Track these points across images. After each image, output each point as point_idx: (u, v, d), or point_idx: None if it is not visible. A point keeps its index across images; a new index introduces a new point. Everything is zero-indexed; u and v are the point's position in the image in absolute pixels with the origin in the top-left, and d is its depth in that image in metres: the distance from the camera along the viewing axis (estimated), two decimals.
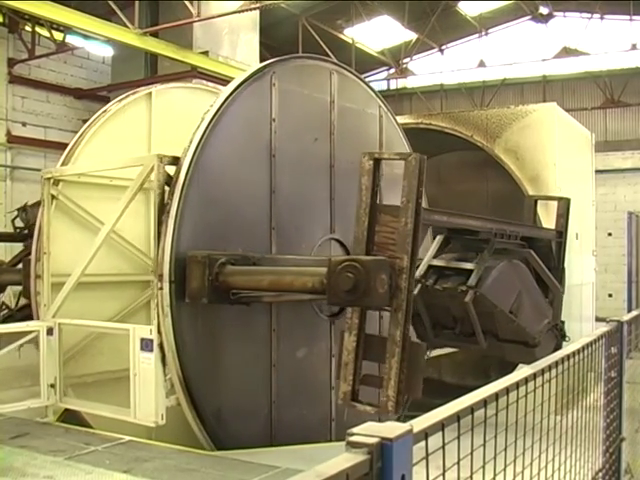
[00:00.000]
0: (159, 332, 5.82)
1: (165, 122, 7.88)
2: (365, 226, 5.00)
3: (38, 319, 6.91)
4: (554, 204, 8.31)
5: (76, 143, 7.38)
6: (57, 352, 6.58)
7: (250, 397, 6.51)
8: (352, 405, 4.95)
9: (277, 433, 6.52)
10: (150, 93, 7.84)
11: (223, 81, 16.00)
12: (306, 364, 7.07)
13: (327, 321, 7.26)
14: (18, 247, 11.62)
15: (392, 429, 1.43)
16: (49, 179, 6.99)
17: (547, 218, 8.48)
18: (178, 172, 5.93)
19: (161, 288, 5.81)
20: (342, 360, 5.02)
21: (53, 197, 6.97)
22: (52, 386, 6.51)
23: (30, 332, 6.54)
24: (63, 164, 7.26)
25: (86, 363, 6.99)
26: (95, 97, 18.60)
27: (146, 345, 5.80)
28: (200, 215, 6.06)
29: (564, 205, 7.99)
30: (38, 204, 11.33)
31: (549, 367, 2.57)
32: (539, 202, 8.33)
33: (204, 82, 13.83)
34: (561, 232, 7.91)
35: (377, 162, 5.03)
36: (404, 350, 4.80)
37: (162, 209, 5.92)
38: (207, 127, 6.08)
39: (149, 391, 5.79)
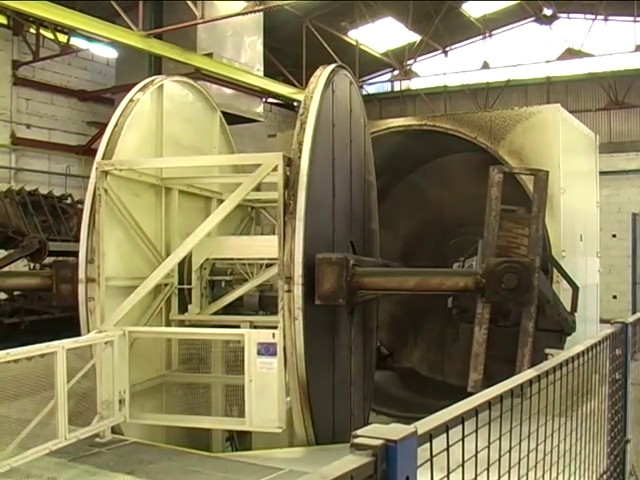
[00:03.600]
0: (284, 336, 5.65)
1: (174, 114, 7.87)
2: (495, 231, 5.73)
3: (88, 329, 6.32)
4: (558, 206, 8.34)
5: (113, 133, 6.89)
6: (127, 364, 6.06)
7: (330, 395, 6.63)
8: None
9: (336, 430, 6.57)
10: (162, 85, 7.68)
11: (227, 82, 16.05)
12: (340, 361, 7.15)
13: (348, 318, 7.31)
14: None
15: (396, 431, 1.42)
16: (104, 172, 6.42)
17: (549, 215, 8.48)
18: (297, 172, 5.92)
19: (289, 290, 5.73)
20: (473, 351, 5.61)
21: (105, 191, 6.48)
22: (120, 401, 5.97)
23: (103, 343, 5.92)
24: (104, 157, 6.70)
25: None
26: (99, 99, 18.63)
27: (266, 349, 5.57)
28: (314, 217, 6.11)
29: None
30: None
31: (553, 369, 2.56)
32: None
33: (207, 84, 13.85)
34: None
35: (505, 175, 5.94)
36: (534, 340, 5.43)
37: (285, 210, 5.89)
38: (314, 129, 6.15)
39: (270, 396, 5.56)
